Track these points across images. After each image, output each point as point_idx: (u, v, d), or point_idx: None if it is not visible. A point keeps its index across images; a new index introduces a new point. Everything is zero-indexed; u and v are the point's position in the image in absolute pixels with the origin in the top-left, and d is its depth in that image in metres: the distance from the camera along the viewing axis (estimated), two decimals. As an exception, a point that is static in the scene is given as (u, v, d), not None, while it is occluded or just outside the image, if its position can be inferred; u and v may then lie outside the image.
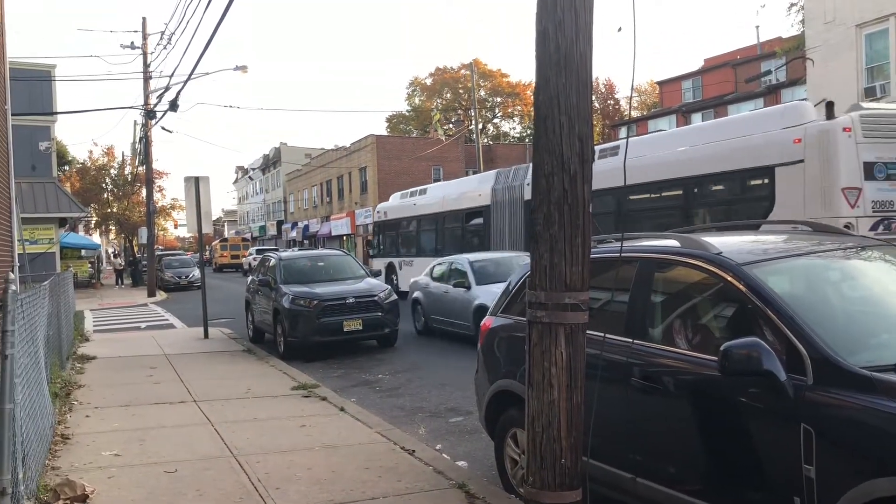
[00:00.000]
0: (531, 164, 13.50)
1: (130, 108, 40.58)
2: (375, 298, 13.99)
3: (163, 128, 32.61)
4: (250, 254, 55.81)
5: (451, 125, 65.21)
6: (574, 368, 4.13)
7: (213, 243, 68.21)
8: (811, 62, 24.50)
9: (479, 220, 20.29)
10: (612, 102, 72.01)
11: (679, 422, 4.32)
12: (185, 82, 24.75)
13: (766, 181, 11.52)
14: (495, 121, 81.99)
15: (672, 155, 13.21)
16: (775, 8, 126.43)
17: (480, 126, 60.59)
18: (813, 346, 3.69)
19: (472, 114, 50.67)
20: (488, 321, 6.39)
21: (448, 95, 78.83)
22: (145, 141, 34.13)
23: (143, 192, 40.06)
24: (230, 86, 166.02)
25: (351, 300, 13.79)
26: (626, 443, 4.65)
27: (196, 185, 16.73)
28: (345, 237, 57.53)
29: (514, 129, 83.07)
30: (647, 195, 13.72)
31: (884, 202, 10.78)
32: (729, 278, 4.24)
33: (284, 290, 14.16)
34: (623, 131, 51.39)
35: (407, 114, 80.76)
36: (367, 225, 47.66)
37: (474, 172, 35.22)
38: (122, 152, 51.64)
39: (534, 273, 4.23)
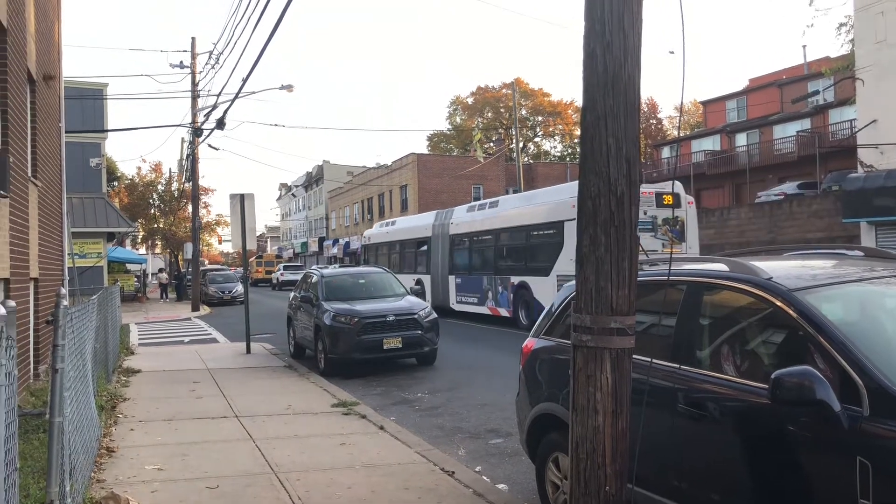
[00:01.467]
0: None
1: (178, 125, 41.63)
2: (415, 316, 14.02)
3: (209, 145, 33.36)
4: (278, 270, 59.59)
5: (491, 144, 65.37)
6: (619, 394, 4.06)
7: (251, 259, 70.11)
8: (861, 82, 24.04)
9: (425, 247, 27.00)
10: (654, 122, 71.53)
11: (726, 450, 4.22)
12: (233, 101, 25.22)
13: (558, 230, 19.01)
14: (536, 139, 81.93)
15: (512, 212, 21.80)
16: (823, 28, 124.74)
17: (521, 145, 60.62)
18: (869, 376, 3.58)
19: (513, 133, 50.70)
20: (530, 343, 6.33)
21: (489, 114, 79.02)
22: (192, 158, 34.82)
23: (189, 207, 40.84)
24: (275, 104, 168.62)
25: (391, 318, 13.84)
26: (671, 470, 4.55)
27: (241, 202, 17.00)
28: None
29: (554, 147, 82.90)
30: (495, 237, 22.37)
31: None
32: (779, 304, 4.14)
33: (326, 306, 14.27)
34: (666, 151, 50.96)
35: (448, 132, 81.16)
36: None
37: (514, 192, 42.30)
38: (170, 169, 52.80)
39: (579, 296, 4.18)
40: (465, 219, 24.57)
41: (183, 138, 41.96)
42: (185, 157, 39.32)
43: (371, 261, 31.00)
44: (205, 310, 34.32)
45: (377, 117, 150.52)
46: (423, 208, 48.46)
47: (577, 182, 15.15)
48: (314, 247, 78.99)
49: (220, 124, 26.70)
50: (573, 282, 4.69)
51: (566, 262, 18.04)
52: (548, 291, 18.41)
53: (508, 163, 58.22)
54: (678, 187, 20.00)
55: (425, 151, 72.26)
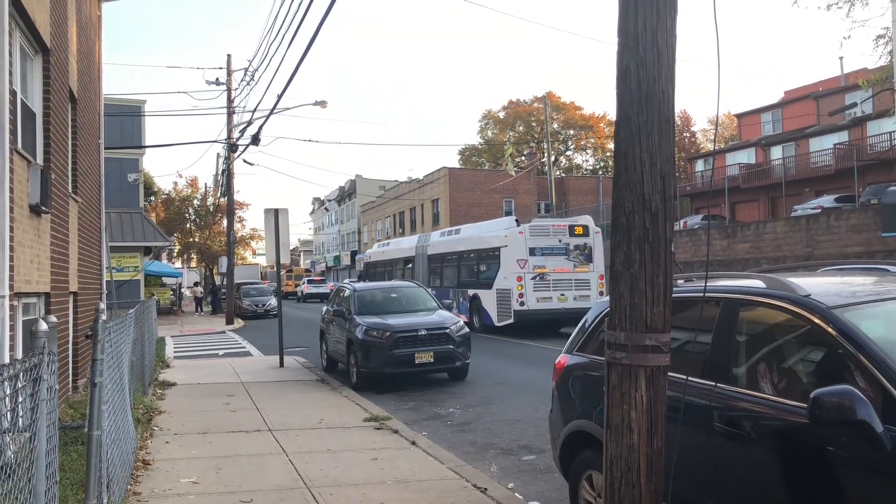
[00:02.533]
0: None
1: (214, 141, 42.26)
2: (447, 331, 14.02)
3: (244, 161, 33.60)
4: (302, 283, 63.45)
5: (523, 157, 65.30)
6: (654, 412, 4.02)
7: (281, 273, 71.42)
8: (899, 94, 23.62)
9: (410, 265, 31.10)
10: (687, 135, 70.96)
11: (763, 470, 4.14)
12: (267, 117, 25.52)
13: (497, 253, 24.00)
14: (568, 153, 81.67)
15: (469, 238, 26.84)
16: (860, 39, 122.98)
17: (553, 158, 60.48)
18: (912, 396, 3.50)
19: (545, 146, 50.62)
20: (563, 359, 6.29)
21: (521, 128, 78.99)
22: (227, 173, 35.28)
23: (224, 222, 41.30)
24: (309, 120, 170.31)
25: (423, 332, 13.86)
26: (706, 490, 4.48)
27: (275, 216, 17.18)
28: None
29: (586, 161, 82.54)
30: (458, 257, 27.33)
31: (539, 266, 23.05)
32: (818, 321, 4.08)
33: (358, 320, 14.32)
34: (700, 164, 50.50)
35: (479, 146, 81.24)
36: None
37: (546, 206, 44.63)
38: (205, 184, 53.46)
39: (613, 313, 4.15)
40: (439, 241, 29.53)
41: (218, 154, 42.59)
42: (220, 172, 39.87)
43: (371, 277, 35.67)
44: (239, 323, 34.65)
45: (409, 132, 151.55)
46: (454, 222, 48.62)
47: (507, 219, 27.41)
48: (346, 260, 79.49)
49: (255, 140, 27.07)
50: (607, 297, 4.66)
51: (502, 279, 23.47)
52: (490, 301, 23.90)
53: (540, 176, 58.14)
54: (587, 220, 24.98)
55: (457, 165, 72.44)
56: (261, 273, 73.17)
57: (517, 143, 73.22)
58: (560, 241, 23.56)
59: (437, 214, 57.52)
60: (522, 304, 22.77)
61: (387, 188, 70.74)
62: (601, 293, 23.50)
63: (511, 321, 22.84)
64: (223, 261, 42.78)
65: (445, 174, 56.97)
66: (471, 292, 25.35)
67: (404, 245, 34.02)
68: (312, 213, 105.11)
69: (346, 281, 39.82)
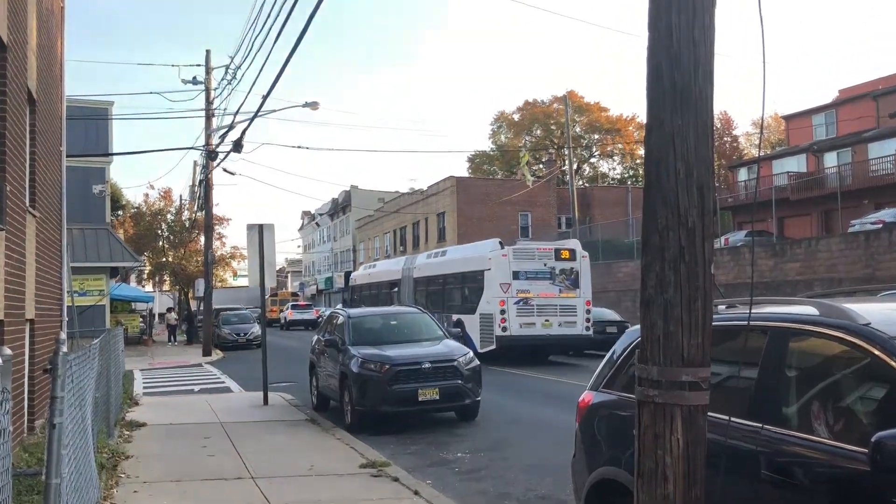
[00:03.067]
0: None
1: (191, 148, 42.44)
2: (455, 364, 13.96)
3: (225, 170, 33.77)
4: (286, 308, 62.95)
5: (540, 165, 65.38)
6: (692, 457, 4.00)
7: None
8: (970, 93, 23.65)
9: (396, 288, 32.86)
10: (728, 140, 71.08)
11: (819, 524, 4.12)
12: (251, 120, 25.65)
13: (481, 277, 25.56)
14: (592, 160, 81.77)
15: (454, 261, 28.74)
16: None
17: (575, 166, 60.62)
18: None
19: (566, 152, 50.65)
20: (588, 396, 6.27)
21: (538, 132, 79.25)
22: (205, 184, 35.41)
23: (202, 239, 41.40)
24: (298, 124, 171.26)
25: (427, 365, 13.78)
26: (754, 547, 4.45)
27: (260, 233, 17.23)
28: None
29: (613, 169, 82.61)
30: (444, 280, 29.18)
31: (523, 290, 24.55)
32: (879, 354, 4.06)
33: (353, 352, 14.29)
34: (743, 172, 50.53)
35: (491, 153, 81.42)
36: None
37: (567, 220, 47.01)
38: (180, 196, 53.75)
39: (645, 344, 4.14)
40: (425, 264, 31.14)
41: (196, 162, 42.70)
42: (197, 182, 40.02)
43: (357, 300, 38.16)
44: (217, 354, 34.68)
45: (411, 138, 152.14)
46: (462, 238, 48.67)
47: (491, 241, 28.58)
48: (340, 282, 79.53)
49: (237, 146, 27.20)
50: (637, 326, 4.65)
51: (485, 303, 25.00)
52: (474, 327, 25.44)
53: (560, 186, 58.15)
54: (574, 244, 26.93)
55: (466, 174, 72.59)
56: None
57: (534, 148, 73.45)
58: (545, 265, 25.14)
59: (443, 230, 57.64)
60: (505, 329, 24.21)
61: (386, 200, 70.90)
62: (588, 320, 25.31)
63: (493, 347, 24.27)
64: (200, 283, 42.84)
65: (453, 184, 57.11)
66: (455, 317, 26.69)
67: (390, 267, 36.07)
68: (301, 228, 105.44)
69: (338, 306, 40.02)
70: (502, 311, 24.18)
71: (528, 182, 52.58)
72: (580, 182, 69.89)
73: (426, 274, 30.53)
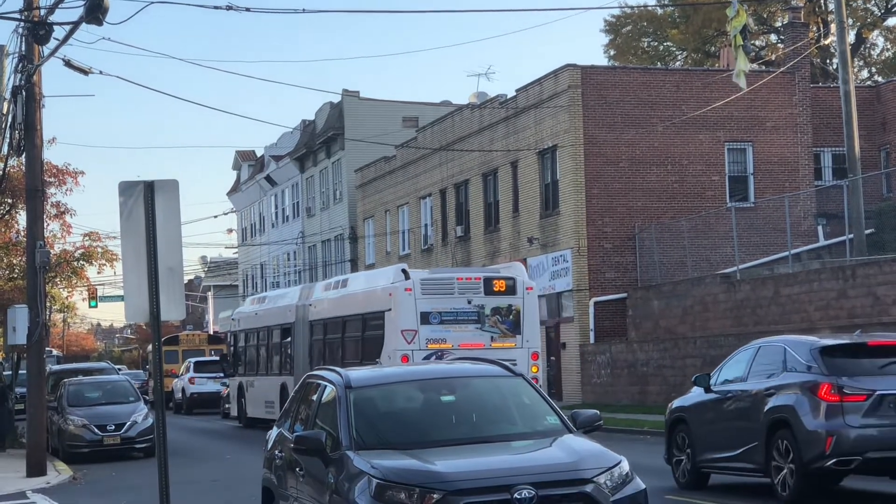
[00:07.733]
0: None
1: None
2: (586, 490, 6.03)
3: (69, 63, 17.61)
4: (185, 369, 38.29)
5: (776, 42, 37.07)
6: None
7: (149, 347, 40.38)
8: None
9: (289, 338, 25.31)
10: None
11: None
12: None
13: (381, 320, 19.45)
14: (883, 28, 43.56)
15: (349, 294, 22.04)
16: None
17: (850, 40, 30.46)
18: None
19: (834, 7, 25.92)
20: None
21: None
22: (28, 94, 17.32)
23: (21, 217, 24.56)
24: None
25: (525, 491, 5.87)
26: None
27: (149, 199, 7.66)
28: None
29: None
30: (342, 324, 22.06)
31: (436, 339, 18.40)
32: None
33: (358, 463, 6.36)
34: None
35: (660, 12, 44.67)
36: (554, 294, 29.94)
37: (834, 155, 29.12)
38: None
39: None
40: (321, 299, 23.45)
41: (3, 48, 17.98)
42: (6, 92, 17.80)
43: (239, 355, 28.14)
44: (58, 471, 18.11)
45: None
46: (594, 210, 28.25)
47: (393, 268, 21.64)
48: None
49: (95, 11, 14.08)
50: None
51: (386, 358, 18.60)
52: None
53: (814, 86, 31.60)
54: (517, 271, 20.26)
55: (601, 62, 40.44)
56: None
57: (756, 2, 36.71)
58: (470, 303, 18.81)
59: (551, 186, 29.88)
60: None
61: (421, 123, 39.26)
62: (536, 380, 17.74)
63: None
64: (17, 316, 19.64)
65: (574, 81, 28.71)
66: None
67: (282, 304, 26.21)
68: (235, 189, 60.34)
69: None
70: None
71: (741, 81, 22.47)
72: (863, 71, 41.57)
73: (323, 315, 22.92)
